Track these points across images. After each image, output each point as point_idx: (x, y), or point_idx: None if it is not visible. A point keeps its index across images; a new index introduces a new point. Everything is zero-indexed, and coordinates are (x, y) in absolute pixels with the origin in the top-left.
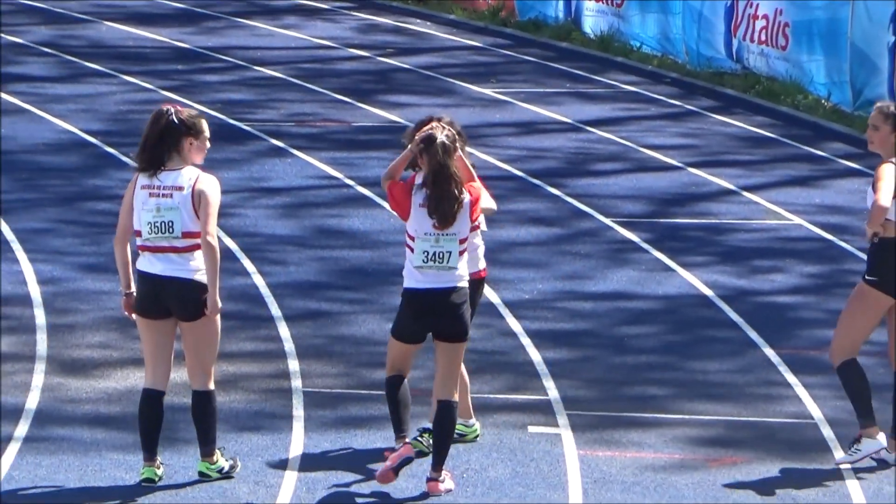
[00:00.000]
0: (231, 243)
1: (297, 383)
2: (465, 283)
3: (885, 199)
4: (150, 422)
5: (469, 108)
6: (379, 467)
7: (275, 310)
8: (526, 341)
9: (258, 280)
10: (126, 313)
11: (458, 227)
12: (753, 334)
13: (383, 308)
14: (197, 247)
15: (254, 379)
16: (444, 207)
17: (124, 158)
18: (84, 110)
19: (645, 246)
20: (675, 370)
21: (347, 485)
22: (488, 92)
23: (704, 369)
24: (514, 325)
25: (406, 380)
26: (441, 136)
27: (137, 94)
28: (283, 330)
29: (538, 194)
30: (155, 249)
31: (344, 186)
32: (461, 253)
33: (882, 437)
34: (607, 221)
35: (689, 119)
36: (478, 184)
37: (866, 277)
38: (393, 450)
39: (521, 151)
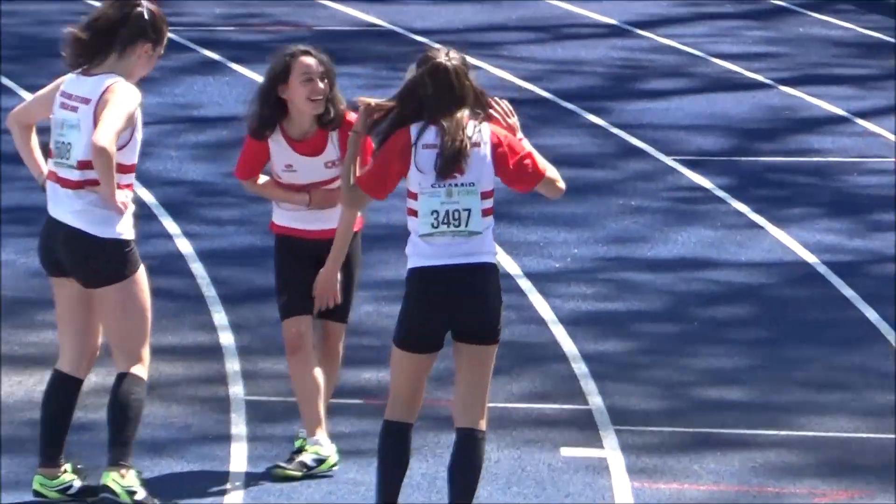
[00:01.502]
0: (146, 195)
1: (236, 390)
2: (494, 261)
3: None
4: (50, 412)
5: (473, 5)
6: None
7: (206, 287)
8: (557, 330)
9: (183, 245)
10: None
11: (477, 174)
12: (874, 315)
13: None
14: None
15: (177, 385)
16: (455, 147)
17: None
18: None
19: (721, 194)
20: (766, 368)
21: None
22: None
23: (806, 367)
24: (541, 305)
25: (412, 429)
26: (445, 59)
27: None
28: (219, 316)
29: (572, 123)
30: (56, 179)
31: None
32: (486, 213)
33: None
34: (668, 161)
35: (779, 18)
36: (527, 145)
37: None
38: None
39: (546, 65)
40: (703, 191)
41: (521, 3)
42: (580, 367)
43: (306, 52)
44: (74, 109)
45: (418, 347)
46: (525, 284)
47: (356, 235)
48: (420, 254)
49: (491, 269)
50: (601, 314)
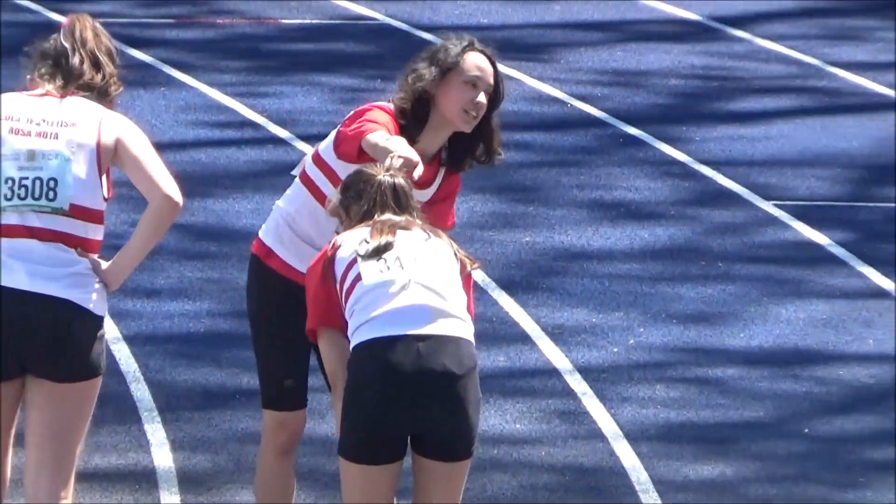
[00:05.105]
0: None
1: None
2: (470, 332)
3: None
4: None
5: None
6: None
7: (138, 388)
8: (621, 447)
9: (108, 329)
10: None
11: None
12: None
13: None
14: (90, 242)
15: None
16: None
17: None
18: None
19: (840, 253)
20: None
21: None
22: None
23: None
24: (598, 411)
25: None
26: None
27: None
28: (154, 429)
29: (636, 156)
30: (13, 232)
31: (265, 141)
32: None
33: None
34: (768, 208)
35: None
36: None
37: None
38: None
39: (602, 75)
40: (816, 248)
41: None
42: (652, 501)
43: (482, 52)
44: (54, 136)
45: (373, 458)
46: (575, 382)
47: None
48: (372, 323)
49: (467, 344)
50: (675, 425)
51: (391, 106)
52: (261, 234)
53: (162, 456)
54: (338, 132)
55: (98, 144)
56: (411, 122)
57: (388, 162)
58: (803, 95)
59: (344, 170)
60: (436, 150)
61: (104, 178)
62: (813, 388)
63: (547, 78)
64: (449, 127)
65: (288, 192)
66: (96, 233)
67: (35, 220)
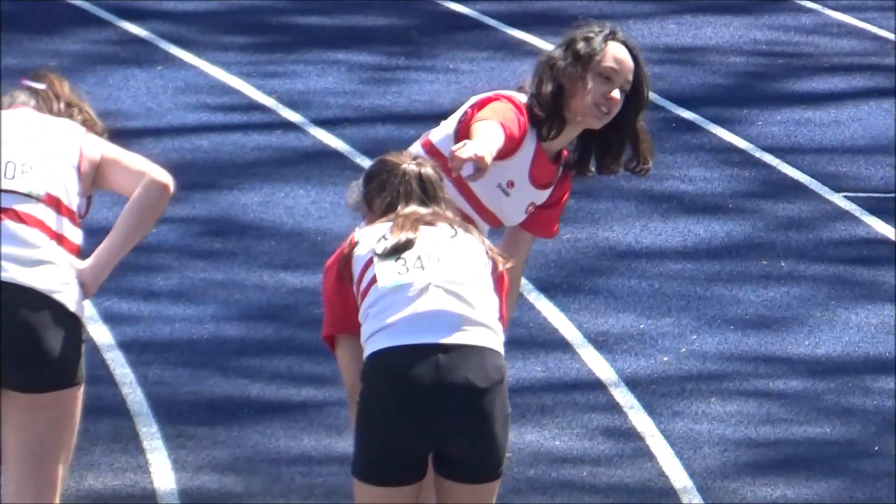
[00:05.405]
0: None
1: None
2: (498, 342)
3: None
4: None
5: None
6: None
7: (135, 401)
8: (671, 467)
9: (99, 333)
10: None
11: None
12: None
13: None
14: (64, 239)
15: None
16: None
17: None
18: None
19: None
20: None
21: None
22: None
23: None
24: (646, 427)
25: None
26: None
27: None
28: (154, 447)
29: (690, 142)
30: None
31: (274, 126)
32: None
33: None
34: (838, 201)
35: None
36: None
37: None
38: None
39: (654, 52)
40: (890, 245)
41: None
42: None
43: (624, 43)
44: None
45: (389, 480)
46: (619, 394)
47: None
48: (388, 331)
49: (497, 356)
50: (731, 443)
51: (520, 96)
52: None
53: (163, 477)
54: (459, 122)
55: (80, 155)
56: (545, 115)
57: (454, 155)
58: (878, 74)
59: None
60: (560, 148)
61: (83, 191)
62: (885, 402)
63: None
64: (579, 124)
65: None
66: (74, 235)
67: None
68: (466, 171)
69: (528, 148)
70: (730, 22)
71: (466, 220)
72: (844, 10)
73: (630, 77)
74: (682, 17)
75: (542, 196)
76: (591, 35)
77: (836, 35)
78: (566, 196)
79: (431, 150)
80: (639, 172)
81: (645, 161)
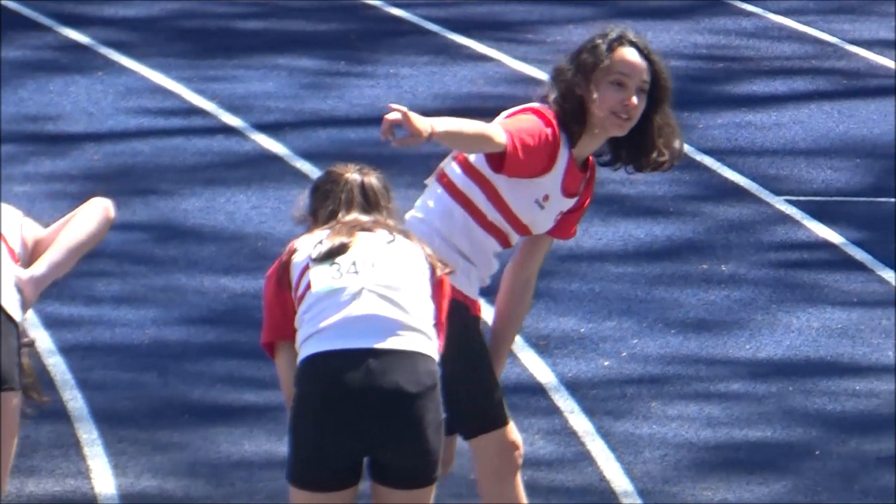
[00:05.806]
0: None
1: None
2: (432, 347)
3: None
4: None
5: None
6: None
7: (76, 406)
8: (612, 470)
9: (42, 340)
10: None
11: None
12: None
13: None
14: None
15: None
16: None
17: None
18: None
19: (857, 254)
20: None
21: None
22: None
23: None
24: (587, 431)
25: None
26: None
27: None
28: (95, 452)
29: None
30: None
31: (215, 131)
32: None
33: None
34: (778, 204)
35: None
36: None
37: None
38: None
39: None
40: (831, 249)
41: None
42: None
43: (633, 45)
44: None
45: (323, 485)
46: (561, 399)
47: (475, 320)
48: (325, 334)
49: (430, 361)
50: (672, 446)
51: (547, 108)
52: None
53: (104, 482)
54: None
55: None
56: (569, 125)
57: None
58: (819, 77)
59: (506, 182)
60: (587, 156)
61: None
62: (826, 405)
63: (530, 59)
64: (599, 133)
65: (430, 204)
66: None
67: None
68: (399, 134)
69: (562, 159)
70: (669, 26)
71: (497, 232)
72: (785, 13)
73: (646, 77)
74: (623, 21)
75: (570, 203)
76: (599, 43)
77: (777, 38)
78: (588, 201)
79: (469, 168)
80: (659, 167)
81: (661, 154)
